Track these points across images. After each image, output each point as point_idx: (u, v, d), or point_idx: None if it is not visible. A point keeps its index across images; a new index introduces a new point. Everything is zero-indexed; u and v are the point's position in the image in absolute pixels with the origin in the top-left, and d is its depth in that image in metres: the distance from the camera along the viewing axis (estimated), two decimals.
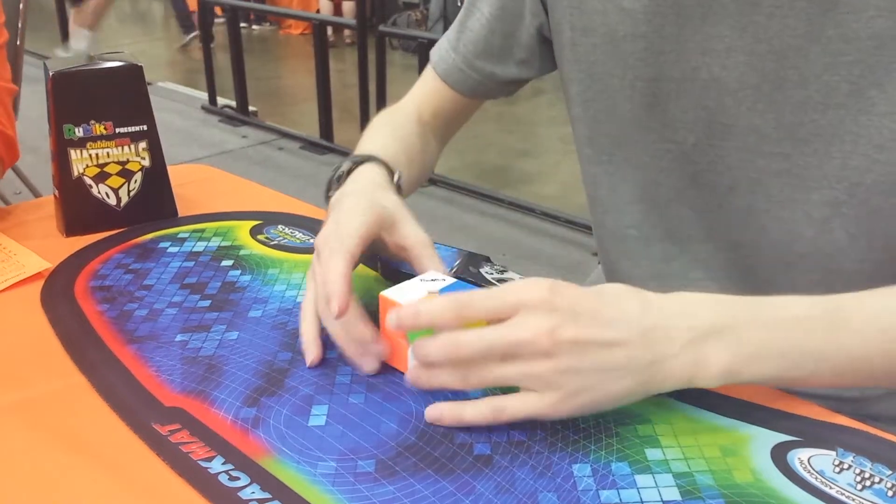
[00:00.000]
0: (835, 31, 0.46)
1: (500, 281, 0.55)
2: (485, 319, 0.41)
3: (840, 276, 0.52)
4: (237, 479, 0.38)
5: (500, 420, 0.41)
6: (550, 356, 0.39)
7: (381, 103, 2.70)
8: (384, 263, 0.60)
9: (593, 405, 0.41)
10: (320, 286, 0.47)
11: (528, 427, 0.43)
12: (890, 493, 0.38)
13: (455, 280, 0.48)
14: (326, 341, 0.49)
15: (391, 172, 0.57)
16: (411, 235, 0.51)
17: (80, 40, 3.73)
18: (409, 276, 0.59)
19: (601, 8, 0.55)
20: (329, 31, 3.31)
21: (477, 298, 0.41)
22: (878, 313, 0.42)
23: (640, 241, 0.60)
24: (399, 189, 0.56)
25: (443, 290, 0.45)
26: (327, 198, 0.57)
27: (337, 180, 0.57)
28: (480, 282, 0.55)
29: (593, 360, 0.39)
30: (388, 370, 0.48)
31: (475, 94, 0.68)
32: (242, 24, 3.72)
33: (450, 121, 0.71)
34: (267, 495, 0.37)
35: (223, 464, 0.39)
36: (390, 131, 0.64)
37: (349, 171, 0.56)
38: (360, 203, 0.50)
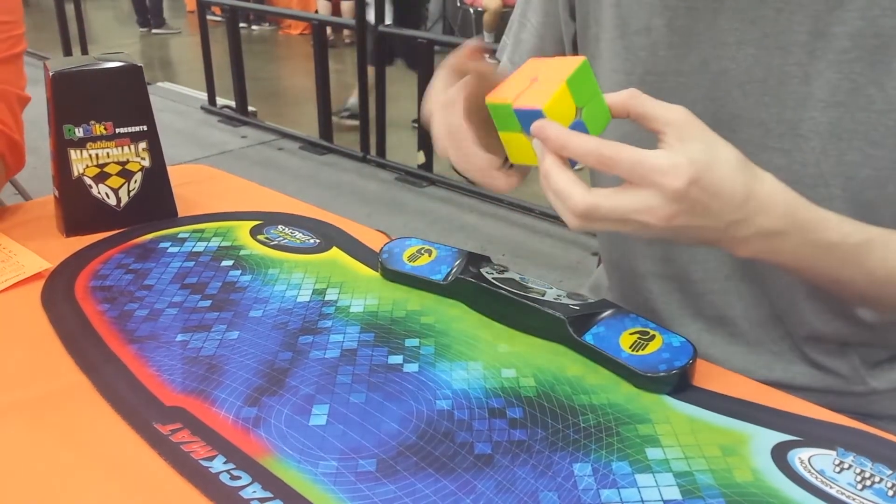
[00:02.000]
0: (840, 29, 0.47)
1: (501, 281, 0.55)
2: (620, 175, 0.42)
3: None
4: (238, 478, 0.38)
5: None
6: (655, 230, 0.42)
7: (381, 104, 2.70)
8: (384, 264, 0.61)
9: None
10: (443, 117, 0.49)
11: (529, 426, 0.43)
12: (890, 493, 0.38)
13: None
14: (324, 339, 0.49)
15: None
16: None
17: None
18: (409, 276, 0.59)
19: (614, 1, 0.55)
20: (328, 31, 3.31)
21: (623, 160, 0.41)
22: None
23: (641, 240, 0.61)
24: None
25: None
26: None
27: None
28: (480, 282, 0.55)
29: (687, 234, 0.43)
30: (390, 370, 0.48)
31: None
32: (242, 25, 3.73)
33: None
34: (268, 494, 0.37)
35: (224, 463, 0.39)
36: None
37: None
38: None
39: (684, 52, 0.53)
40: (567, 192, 0.42)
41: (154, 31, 5.49)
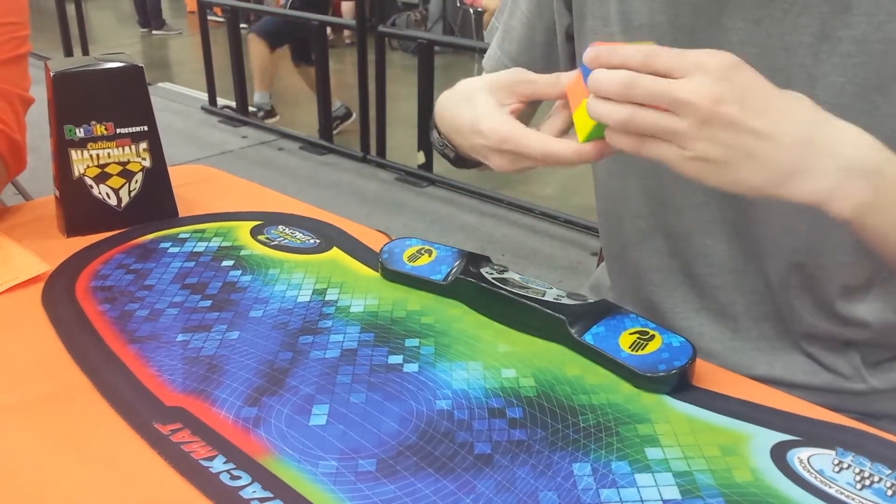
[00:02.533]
0: (846, 33, 0.47)
1: (501, 281, 0.55)
2: (667, 72, 0.41)
3: (829, 269, 0.54)
4: (238, 478, 0.38)
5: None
6: (705, 123, 0.39)
7: (381, 104, 2.70)
8: (384, 264, 0.61)
9: (718, 181, 0.41)
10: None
11: (529, 426, 0.43)
12: (889, 493, 0.38)
13: None
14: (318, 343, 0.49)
15: None
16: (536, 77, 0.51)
17: None
18: (409, 276, 0.59)
19: (620, 8, 0.55)
20: (328, 31, 3.31)
21: (665, 52, 0.42)
22: None
23: (644, 233, 0.61)
24: None
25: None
26: (432, 129, 0.60)
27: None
28: (480, 282, 0.55)
29: (742, 143, 0.39)
30: (390, 370, 0.48)
31: None
32: (242, 25, 3.73)
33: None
34: (268, 494, 0.37)
35: (224, 463, 0.40)
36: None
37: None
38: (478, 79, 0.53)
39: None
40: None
41: (154, 32, 5.56)
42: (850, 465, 0.40)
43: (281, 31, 3.17)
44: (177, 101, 3.63)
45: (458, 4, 4.96)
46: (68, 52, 3.99)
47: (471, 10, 4.91)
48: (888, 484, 0.39)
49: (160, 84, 3.85)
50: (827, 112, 0.42)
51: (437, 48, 2.57)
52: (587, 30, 0.59)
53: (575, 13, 0.60)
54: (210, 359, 0.49)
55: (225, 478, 0.38)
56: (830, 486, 0.38)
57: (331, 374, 0.47)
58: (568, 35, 0.63)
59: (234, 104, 3.36)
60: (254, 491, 0.38)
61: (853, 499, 0.38)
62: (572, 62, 0.64)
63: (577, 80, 0.45)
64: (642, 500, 0.37)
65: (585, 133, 0.45)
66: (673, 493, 0.38)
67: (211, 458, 0.40)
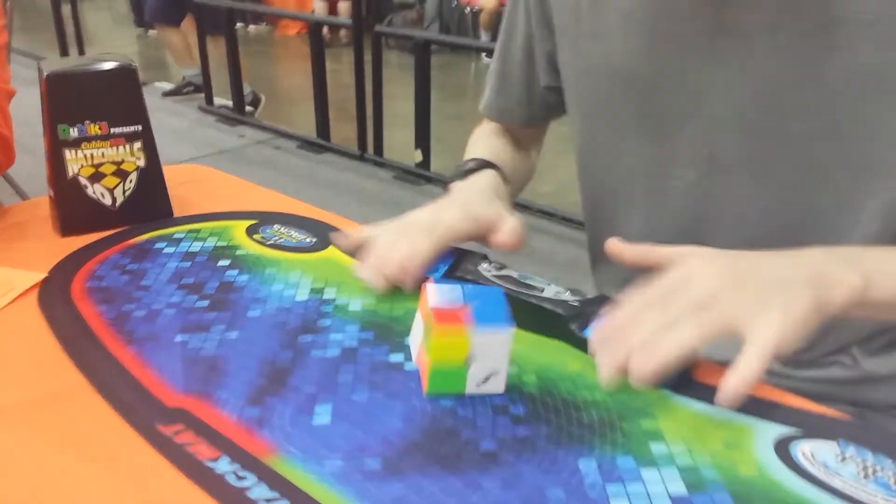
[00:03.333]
0: (830, 69, 0.48)
1: (499, 278, 0.55)
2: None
3: None
4: (244, 478, 0.38)
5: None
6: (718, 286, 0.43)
7: (378, 102, 2.70)
8: None
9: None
10: (391, 251, 0.55)
11: (533, 423, 0.43)
12: (893, 483, 0.38)
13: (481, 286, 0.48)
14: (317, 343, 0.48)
15: (505, 180, 0.65)
16: (502, 234, 0.58)
17: None
18: None
19: (602, 50, 0.57)
20: (325, 30, 3.30)
21: (662, 250, 0.46)
22: None
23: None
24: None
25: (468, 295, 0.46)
26: (447, 184, 0.65)
27: (462, 174, 0.64)
28: (479, 279, 0.55)
29: (781, 278, 0.43)
30: (391, 369, 0.48)
31: (531, 123, 0.72)
32: (238, 24, 3.72)
33: (525, 139, 0.76)
34: (275, 494, 0.37)
35: (230, 463, 0.39)
36: (496, 145, 0.72)
37: (474, 170, 0.65)
38: (469, 211, 0.58)
39: (674, 96, 0.54)
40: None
41: (150, 31, 5.55)
42: (853, 457, 0.40)
43: (166, 5, 3.25)
44: (174, 100, 3.61)
45: (455, 4, 4.95)
46: (64, 53, 3.97)
47: (467, 10, 4.91)
48: (891, 475, 0.39)
49: (156, 84, 3.84)
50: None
51: (433, 47, 2.56)
52: (571, 82, 0.62)
53: (560, 64, 0.63)
54: (210, 359, 0.49)
55: (231, 478, 0.38)
56: (834, 478, 0.38)
57: (332, 373, 0.47)
58: (550, 60, 0.65)
59: (230, 103, 3.35)
60: (260, 491, 0.37)
61: (857, 490, 0.38)
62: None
63: (440, 311, 0.43)
64: (649, 495, 0.37)
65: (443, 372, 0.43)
66: (679, 487, 0.38)
67: (215, 459, 0.40)
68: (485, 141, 0.72)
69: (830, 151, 0.50)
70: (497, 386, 0.44)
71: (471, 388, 0.44)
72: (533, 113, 0.70)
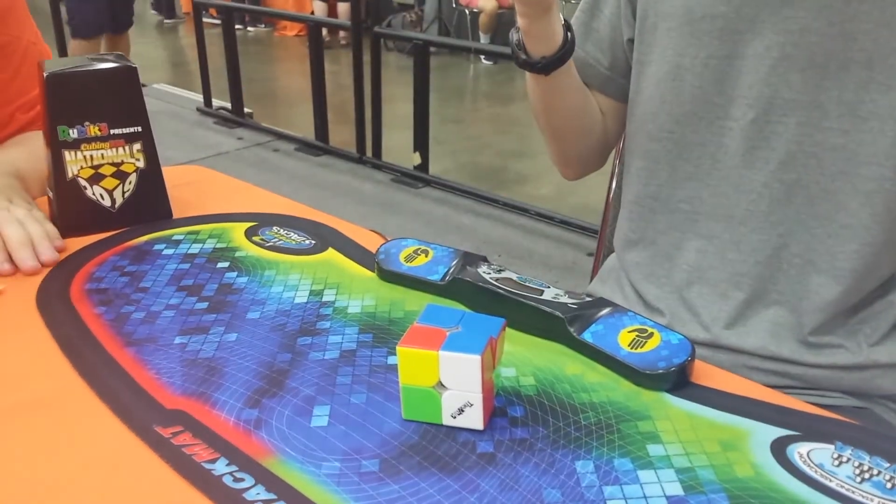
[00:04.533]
0: None
1: (499, 280, 0.55)
2: None
3: (874, 247, 0.56)
4: (242, 480, 0.38)
5: None
6: None
7: (377, 104, 2.70)
8: (380, 264, 0.60)
9: None
10: None
11: (531, 425, 0.43)
12: (889, 485, 0.38)
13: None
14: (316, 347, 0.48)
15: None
16: None
17: None
18: (406, 276, 0.59)
19: None
20: (324, 32, 3.31)
21: None
22: None
23: (690, 217, 0.62)
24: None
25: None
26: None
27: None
28: (478, 281, 0.55)
29: None
30: (389, 371, 0.48)
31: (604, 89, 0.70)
32: (237, 26, 3.73)
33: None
34: (272, 496, 0.37)
35: (227, 465, 0.39)
36: None
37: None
38: None
39: (749, 38, 0.55)
40: None
41: (166, 21, 5.96)
42: (849, 459, 0.40)
43: (84, 20, 3.09)
44: (172, 102, 3.61)
45: (454, 5, 4.96)
46: (63, 53, 3.97)
47: (466, 11, 4.92)
48: (887, 477, 0.39)
49: (155, 85, 3.84)
50: None
51: (432, 49, 2.56)
52: (647, 28, 0.61)
53: (639, 14, 0.62)
54: (209, 361, 0.49)
55: (228, 480, 0.38)
56: (831, 480, 0.39)
57: (330, 375, 0.47)
58: (629, 41, 0.65)
59: (229, 105, 3.35)
60: (258, 493, 0.37)
61: (853, 492, 0.38)
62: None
63: (417, 329, 0.43)
64: (646, 497, 0.37)
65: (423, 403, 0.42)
66: (676, 488, 0.38)
67: (213, 461, 0.40)
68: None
69: (888, 101, 0.52)
70: (474, 420, 0.42)
71: (446, 418, 0.42)
72: (614, 67, 0.67)
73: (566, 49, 0.61)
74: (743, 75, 0.56)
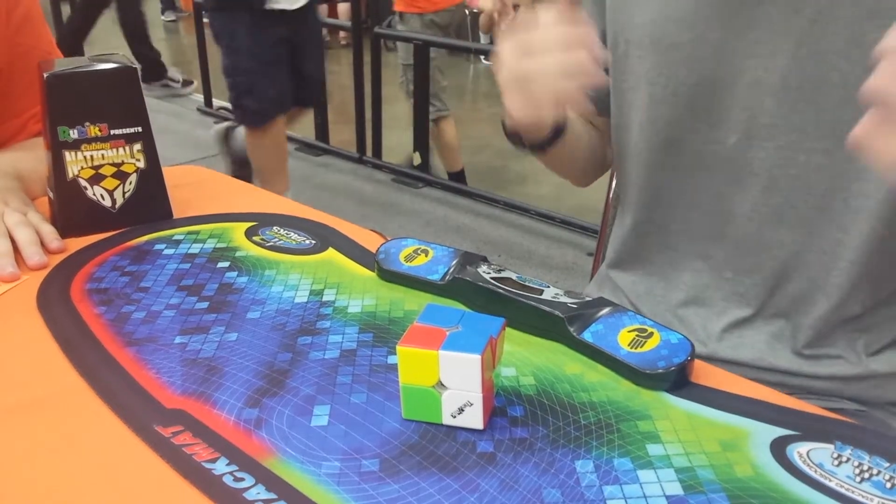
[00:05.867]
0: (876, 37, 0.48)
1: (499, 280, 0.55)
2: None
3: (867, 262, 0.55)
4: (242, 479, 0.38)
5: None
6: None
7: (377, 105, 2.70)
8: (380, 264, 0.60)
9: None
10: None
11: (530, 424, 0.43)
12: (888, 485, 0.38)
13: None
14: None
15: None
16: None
17: None
18: (406, 276, 0.59)
19: (648, 19, 0.57)
20: (324, 32, 3.31)
21: None
22: None
23: (684, 238, 0.62)
24: None
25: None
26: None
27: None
28: (478, 281, 0.55)
29: None
30: (390, 371, 0.48)
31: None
32: None
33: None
34: (272, 496, 0.37)
35: (227, 465, 0.39)
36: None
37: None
38: None
39: (717, 64, 0.55)
40: None
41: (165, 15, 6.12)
42: (848, 459, 0.40)
43: (261, 103, 2.14)
44: (173, 102, 3.61)
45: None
46: (64, 54, 3.97)
47: (467, 11, 4.91)
48: (887, 476, 0.39)
49: (155, 84, 3.84)
50: None
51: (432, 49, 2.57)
52: (620, 55, 0.61)
53: (609, 43, 0.62)
54: (209, 360, 0.49)
55: (228, 480, 0.38)
56: (830, 480, 0.39)
57: (331, 375, 0.47)
58: (603, 38, 0.64)
59: (230, 105, 3.34)
60: (258, 493, 0.37)
61: (853, 492, 0.38)
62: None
63: (417, 329, 0.42)
64: (645, 497, 0.38)
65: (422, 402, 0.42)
66: (675, 488, 0.38)
67: (213, 461, 0.40)
68: None
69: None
70: (474, 420, 0.42)
71: (447, 417, 0.42)
72: (601, 88, 0.66)
73: (557, 132, 0.61)
74: (717, 102, 0.56)
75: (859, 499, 0.37)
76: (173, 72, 3.66)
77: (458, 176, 2.62)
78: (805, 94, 0.52)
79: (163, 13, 6.11)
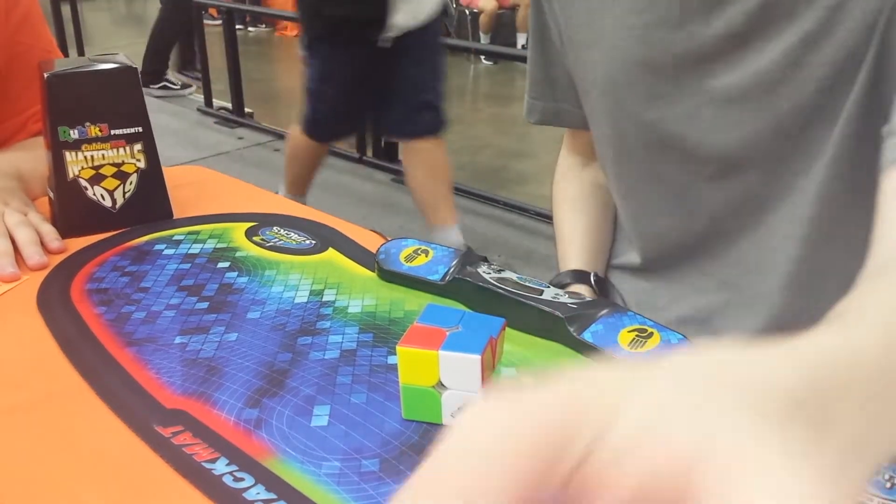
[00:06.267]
0: (815, 57, 0.49)
1: (499, 280, 0.55)
2: None
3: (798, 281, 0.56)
4: (242, 479, 0.38)
5: None
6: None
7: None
8: (381, 264, 0.60)
9: None
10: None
11: None
12: (888, 485, 0.38)
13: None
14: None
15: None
16: None
17: None
18: (406, 276, 0.59)
19: (602, 58, 0.57)
20: None
21: None
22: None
23: (681, 248, 0.63)
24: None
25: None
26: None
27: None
28: (478, 281, 0.55)
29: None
30: (390, 371, 0.48)
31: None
32: (238, 27, 3.73)
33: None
34: (272, 496, 0.37)
35: (227, 465, 0.39)
36: (584, 226, 0.72)
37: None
38: None
39: (673, 102, 0.55)
40: None
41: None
42: None
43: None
44: (173, 102, 3.62)
45: (455, 6, 4.96)
46: (64, 53, 3.97)
47: (466, 12, 4.92)
48: (886, 476, 0.39)
49: (155, 85, 3.84)
50: None
51: None
52: (583, 93, 0.62)
53: (573, 77, 0.63)
54: (209, 361, 0.49)
55: (228, 480, 0.38)
56: None
57: (331, 375, 0.47)
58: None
59: (230, 105, 3.35)
60: (258, 493, 0.37)
61: None
62: None
63: (417, 329, 0.42)
64: None
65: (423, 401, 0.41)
66: None
67: (213, 461, 0.40)
68: (571, 224, 0.72)
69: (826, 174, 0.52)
70: None
71: (447, 418, 0.42)
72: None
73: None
74: (681, 135, 0.56)
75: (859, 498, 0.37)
76: (173, 75, 3.65)
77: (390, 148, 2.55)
78: (759, 124, 0.53)
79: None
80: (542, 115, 0.69)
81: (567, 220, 0.73)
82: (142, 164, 0.70)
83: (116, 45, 5.13)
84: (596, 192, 0.73)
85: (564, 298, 0.52)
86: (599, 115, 0.61)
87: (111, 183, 0.69)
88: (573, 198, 0.74)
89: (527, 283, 0.55)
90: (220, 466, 0.39)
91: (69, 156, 0.67)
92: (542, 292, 0.53)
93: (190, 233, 0.69)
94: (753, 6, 0.49)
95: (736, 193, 0.56)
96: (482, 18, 4.77)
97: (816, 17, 0.47)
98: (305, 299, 0.57)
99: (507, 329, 0.53)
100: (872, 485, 0.38)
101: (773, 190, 0.55)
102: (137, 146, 0.69)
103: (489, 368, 0.42)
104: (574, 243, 0.71)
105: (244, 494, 0.37)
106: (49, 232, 0.66)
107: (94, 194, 0.69)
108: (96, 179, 0.68)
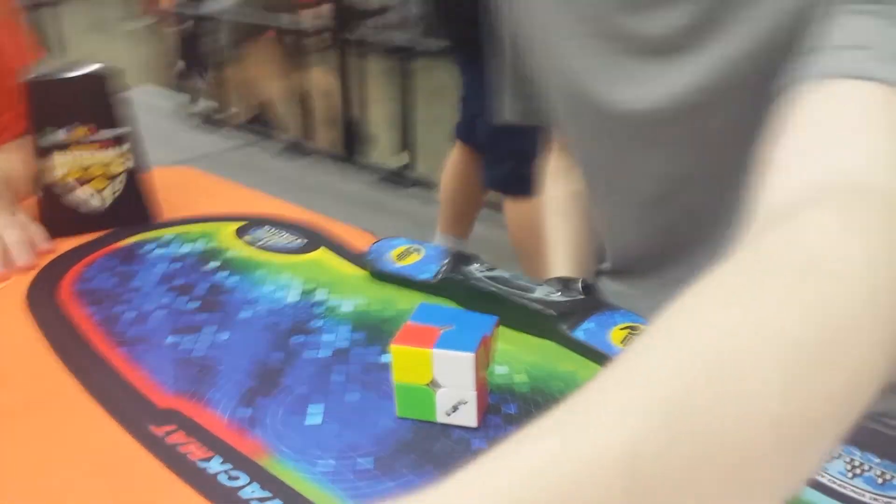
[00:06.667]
0: (741, 92, 0.47)
1: (490, 279, 0.55)
2: None
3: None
4: (236, 478, 0.38)
5: None
6: None
7: (363, 107, 2.70)
8: (372, 263, 0.60)
9: None
10: None
11: (525, 422, 0.43)
12: (880, 481, 0.39)
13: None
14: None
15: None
16: None
17: None
18: (397, 275, 0.59)
19: (556, 66, 0.57)
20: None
21: None
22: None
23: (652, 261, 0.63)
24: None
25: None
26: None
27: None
28: (470, 279, 0.55)
29: None
30: (383, 369, 0.48)
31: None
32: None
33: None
34: (267, 494, 0.37)
35: (221, 464, 0.39)
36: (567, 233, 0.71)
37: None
38: None
39: (627, 114, 0.54)
40: None
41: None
42: (840, 455, 0.40)
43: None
44: (159, 103, 3.58)
45: None
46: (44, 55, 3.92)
47: None
48: (878, 472, 0.39)
49: (141, 86, 3.80)
50: None
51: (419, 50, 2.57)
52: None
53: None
54: (201, 360, 0.49)
55: (223, 478, 0.38)
56: (822, 476, 0.39)
57: (324, 374, 0.47)
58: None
59: (216, 106, 3.33)
60: (252, 491, 0.37)
61: (845, 487, 0.38)
62: None
63: (410, 327, 0.42)
64: None
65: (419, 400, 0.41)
66: None
67: (207, 459, 0.39)
68: (559, 231, 0.72)
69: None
70: (468, 418, 0.42)
71: (441, 416, 0.42)
72: None
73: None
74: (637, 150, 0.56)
75: (851, 494, 0.38)
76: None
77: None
78: (719, 143, 0.51)
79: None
80: (527, 114, 0.69)
81: (553, 224, 0.73)
82: (129, 165, 0.69)
83: (99, 48, 5.07)
84: (581, 195, 0.73)
85: (556, 296, 0.53)
86: (557, 104, 0.60)
87: (98, 184, 0.69)
88: (558, 200, 0.74)
89: (518, 282, 0.55)
90: (215, 465, 0.39)
91: (56, 157, 0.66)
92: (534, 290, 0.53)
93: (179, 233, 0.69)
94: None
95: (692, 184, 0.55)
96: None
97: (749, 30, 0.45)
98: (297, 299, 0.57)
99: (500, 327, 0.53)
100: (864, 481, 0.39)
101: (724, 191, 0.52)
102: (123, 147, 0.69)
103: (483, 366, 0.42)
104: (559, 251, 0.71)
105: (239, 493, 0.37)
106: (37, 232, 0.65)
107: (82, 195, 0.68)
108: (84, 180, 0.68)
